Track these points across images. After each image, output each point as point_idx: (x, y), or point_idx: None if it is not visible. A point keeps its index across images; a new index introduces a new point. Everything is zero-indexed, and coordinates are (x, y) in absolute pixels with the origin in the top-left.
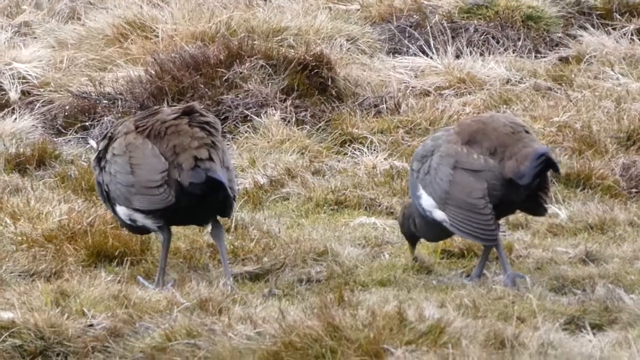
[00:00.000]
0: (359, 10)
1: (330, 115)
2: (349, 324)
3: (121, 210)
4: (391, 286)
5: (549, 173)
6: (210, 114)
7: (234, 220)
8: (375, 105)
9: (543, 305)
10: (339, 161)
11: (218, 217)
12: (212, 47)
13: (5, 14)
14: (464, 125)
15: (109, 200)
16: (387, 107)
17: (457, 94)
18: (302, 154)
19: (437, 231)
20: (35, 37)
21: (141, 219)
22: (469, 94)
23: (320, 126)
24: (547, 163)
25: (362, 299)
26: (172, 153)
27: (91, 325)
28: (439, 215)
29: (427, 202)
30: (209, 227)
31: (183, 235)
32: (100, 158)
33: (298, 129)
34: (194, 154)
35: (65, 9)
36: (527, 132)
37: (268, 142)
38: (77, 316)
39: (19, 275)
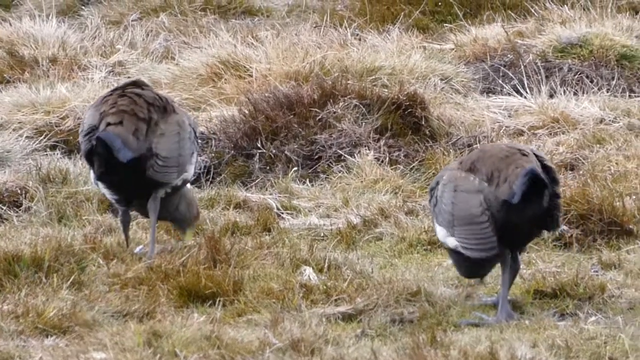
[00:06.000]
0: (453, 49)
1: (423, 155)
2: None
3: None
4: (484, 326)
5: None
6: (153, 91)
7: (326, 260)
8: (469, 145)
9: (635, 346)
10: None
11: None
12: (305, 86)
13: (99, 53)
14: (469, 155)
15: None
16: None
17: (550, 134)
18: (396, 193)
19: (460, 262)
20: (129, 77)
21: (102, 189)
22: (563, 134)
23: (413, 166)
24: (534, 179)
25: (454, 339)
26: (99, 120)
27: None
28: (451, 242)
29: (440, 232)
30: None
31: (276, 275)
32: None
33: (391, 169)
34: (108, 120)
35: (160, 49)
36: (523, 154)
37: (361, 181)
38: (169, 357)
39: (112, 316)
